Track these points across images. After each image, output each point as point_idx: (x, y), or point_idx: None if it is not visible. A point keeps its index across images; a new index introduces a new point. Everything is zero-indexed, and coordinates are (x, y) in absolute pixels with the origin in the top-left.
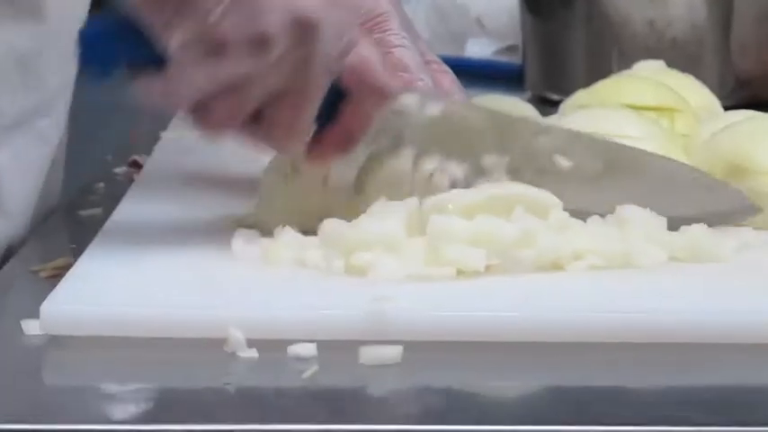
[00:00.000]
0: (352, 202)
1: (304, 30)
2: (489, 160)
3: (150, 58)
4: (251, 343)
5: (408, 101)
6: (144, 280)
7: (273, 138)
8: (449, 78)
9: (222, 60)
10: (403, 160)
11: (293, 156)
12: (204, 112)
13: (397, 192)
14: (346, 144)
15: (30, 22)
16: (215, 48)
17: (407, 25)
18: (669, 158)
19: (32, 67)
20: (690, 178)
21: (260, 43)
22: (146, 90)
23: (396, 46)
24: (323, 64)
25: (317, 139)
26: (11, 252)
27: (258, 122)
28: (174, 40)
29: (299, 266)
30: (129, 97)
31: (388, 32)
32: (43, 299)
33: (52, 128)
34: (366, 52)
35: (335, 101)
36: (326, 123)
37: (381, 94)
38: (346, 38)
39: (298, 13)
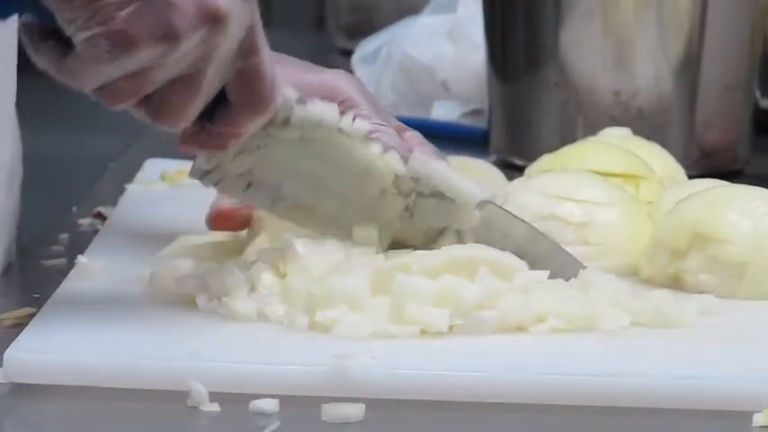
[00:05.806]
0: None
1: (213, 24)
2: None
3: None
4: (213, 397)
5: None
6: (107, 330)
7: (160, 115)
8: (429, 149)
9: (129, 54)
10: None
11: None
12: (105, 89)
13: None
14: (215, 145)
15: None
16: (123, 43)
17: (375, 107)
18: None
19: None
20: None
21: (169, 39)
22: (49, 65)
23: (371, 132)
24: (222, 57)
25: (197, 130)
26: None
27: (149, 99)
28: (80, 36)
29: (263, 321)
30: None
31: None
32: (6, 347)
33: None
34: (264, 61)
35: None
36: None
37: (258, 108)
38: (247, 32)
39: (209, 7)
